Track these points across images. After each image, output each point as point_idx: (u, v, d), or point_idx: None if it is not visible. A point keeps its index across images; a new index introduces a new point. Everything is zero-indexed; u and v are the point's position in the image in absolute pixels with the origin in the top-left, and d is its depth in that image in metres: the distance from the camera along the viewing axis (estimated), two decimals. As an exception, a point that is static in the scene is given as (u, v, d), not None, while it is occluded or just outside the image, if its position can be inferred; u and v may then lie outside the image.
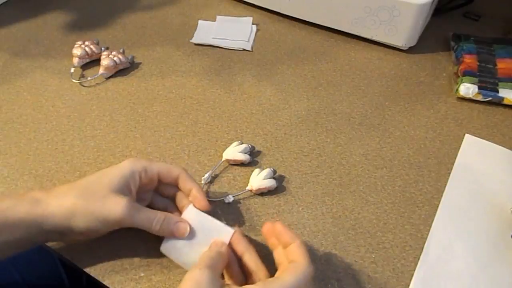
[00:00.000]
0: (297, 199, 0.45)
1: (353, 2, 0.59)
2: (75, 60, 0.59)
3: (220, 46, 0.64)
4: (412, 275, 0.39)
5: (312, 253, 0.41)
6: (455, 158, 0.49)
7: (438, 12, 0.66)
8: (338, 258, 0.40)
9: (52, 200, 0.36)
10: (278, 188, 0.46)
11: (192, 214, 0.40)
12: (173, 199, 0.42)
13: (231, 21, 0.68)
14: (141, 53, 0.63)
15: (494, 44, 0.60)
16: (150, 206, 0.41)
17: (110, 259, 0.40)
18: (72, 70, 0.58)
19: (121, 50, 0.60)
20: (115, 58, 0.58)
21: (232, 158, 0.47)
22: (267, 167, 0.46)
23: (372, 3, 0.58)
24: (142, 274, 0.39)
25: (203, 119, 0.53)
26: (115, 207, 0.36)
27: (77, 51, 0.58)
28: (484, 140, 0.51)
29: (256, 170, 0.46)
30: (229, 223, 0.43)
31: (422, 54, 0.62)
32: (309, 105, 0.55)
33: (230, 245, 0.37)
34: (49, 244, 0.41)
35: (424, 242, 0.41)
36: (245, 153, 0.48)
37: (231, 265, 0.37)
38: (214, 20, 0.68)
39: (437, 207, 0.44)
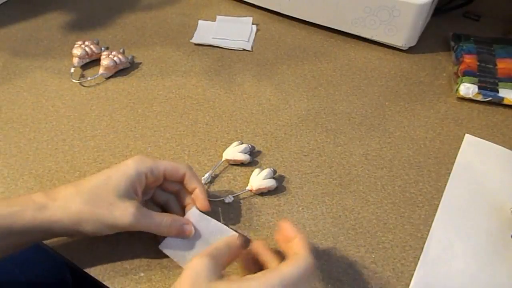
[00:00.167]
0: (297, 199, 0.45)
1: (353, 2, 0.59)
2: (75, 60, 0.59)
3: (220, 46, 0.64)
4: (412, 275, 0.39)
5: (312, 253, 0.41)
6: (455, 158, 0.49)
7: (438, 12, 0.66)
8: (338, 258, 0.40)
9: (58, 206, 0.35)
10: (278, 188, 0.46)
11: (196, 216, 0.40)
12: (176, 194, 0.42)
13: (231, 21, 0.68)
14: (141, 53, 0.63)
15: (494, 44, 0.60)
16: (152, 199, 0.41)
17: (110, 259, 0.40)
18: (72, 70, 0.58)
19: (121, 50, 0.60)
20: (115, 58, 0.58)
21: (232, 158, 0.47)
22: (267, 167, 0.46)
23: (372, 3, 0.58)
24: (142, 274, 0.39)
25: (203, 119, 0.53)
26: (123, 215, 0.35)
27: (77, 51, 0.58)
28: (484, 140, 0.51)
29: (256, 170, 0.46)
30: (229, 223, 0.43)
31: (422, 54, 0.62)
32: (309, 105, 0.55)
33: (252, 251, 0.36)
34: (49, 244, 0.41)
35: (424, 242, 0.41)
36: (245, 153, 0.48)
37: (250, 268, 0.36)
38: (214, 20, 0.68)
39: (437, 207, 0.44)
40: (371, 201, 0.45)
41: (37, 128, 0.52)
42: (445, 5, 0.68)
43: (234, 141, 0.49)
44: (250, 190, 0.45)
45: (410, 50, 0.62)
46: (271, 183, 0.45)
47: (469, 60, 0.57)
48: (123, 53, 0.60)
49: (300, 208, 0.44)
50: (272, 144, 0.50)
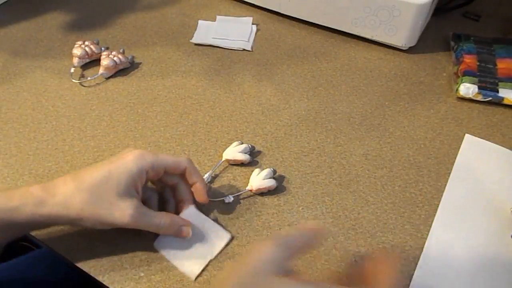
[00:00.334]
0: (297, 199, 0.45)
1: (353, 2, 0.59)
2: (75, 60, 0.59)
3: (220, 46, 0.64)
4: (412, 275, 0.39)
5: (312, 253, 0.41)
6: (455, 158, 0.49)
7: (438, 12, 0.66)
8: (338, 258, 0.40)
9: (57, 203, 0.35)
10: (278, 188, 0.46)
11: (192, 215, 0.41)
12: (173, 187, 0.42)
13: (231, 21, 0.68)
14: (141, 53, 0.63)
15: (494, 44, 0.60)
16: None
17: (110, 259, 0.40)
18: (72, 70, 0.58)
19: (121, 50, 0.60)
20: (115, 58, 0.58)
21: (232, 158, 0.47)
22: (267, 167, 0.46)
23: (372, 3, 0.58)
24: (142, 274, 0.39)
25: (203, 119, 0.53)
26: (122, 215, 0.36)
27: (77, 51, 0.58)
28: (484, 140, 0.51)
29: (256, 170, 0.46)
30: (229, 223, 0.43)
31: (422, 54, 0.62)
32: (309, 105, 0.55)
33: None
34: (49, 244, 0.41)
35: (424, 242, 0.41)
36: (245, 153, 0.48)
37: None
38: (214, 20, 0.68)
39: (437, 207, 0.44)
40: (371, 201, 0.45)
41: (37, 128, 0.52)
42: (445, 5, 0.68)
43: (234, 141, 0.49)
44: (250, 190, 0.45)
45: (410, 50, 0.62)
46: (271, 183, 0.45)
47: (469, 60, 0.57)
48: (123, 53, 0.60)
49: (300, 208, 0.44)
50: (272, 144, 0.50)
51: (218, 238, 0.41)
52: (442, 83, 0.58)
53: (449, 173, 0.47)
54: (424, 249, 0.41)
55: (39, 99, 0.55)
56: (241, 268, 0.28)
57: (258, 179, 0.45)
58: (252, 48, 0.64)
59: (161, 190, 0.42)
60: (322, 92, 0.57)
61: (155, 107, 0.55)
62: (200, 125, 0.52)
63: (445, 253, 0.41)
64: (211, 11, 0.70)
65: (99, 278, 0.39)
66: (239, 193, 0.45)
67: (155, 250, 0.40)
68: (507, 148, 0.50)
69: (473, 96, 0.54)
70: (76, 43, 0.60)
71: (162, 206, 0.42)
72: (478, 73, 0.55)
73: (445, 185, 0.46)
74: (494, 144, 0.50)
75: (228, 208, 0.44)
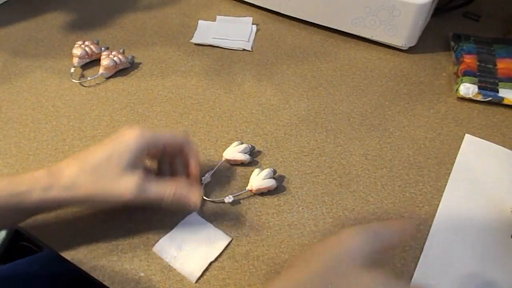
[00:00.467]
0: (297, 199, 0.45)
1: (353, 2, 0.59)
2: (75, 60, 0.59)
3: (220, 46, 0.64)
4: (412, 275, 0.39)
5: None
6: (455, 158, 0.49)
7: (438, 12, 0.66)
8: (338, 258, 0.40)
9: (63, 187, 0.36)
10: (278, 188, 0.46)
11: (193, 220, 0.42)
12: (171, 163, 0.43)
13: (231, 21, 0.68)
14: (141, 53, 0.63)
15: (494, 44, 0.60)
16: None
17: (110, 259, 0.40)
18: (72, 70, 0.58)
19: (121, 50, 0.60)
20: (115, 58, 0.58)
21: (232, 158, 0.47)
22: (267, 167, 0.46)
23: (372, 3, 0.58)
24: (142, 274, 0.39)
25: (203, 119, 0.53)
26: (127, 190, 0.36)
27: (77, 51, 0.58)
28: (484, 140, 0.51)
29: (256, 170, 0.46)
30: (229, 223, 0.43)
31: (422, 54, 0.62)
32: (309, 105, 0.55)
33: None
34: (49, 244, 0.41)
35: (424, 242, 0.41)
36: (245, 153, 0.48)
37: None
38: (214, 20, 0.68)
39: (437, 207, 0.44)
40: (371, 201, 0.45)
41: (37, 128, 0.52)
42: (445, 5, 0.68)
43: (234, 141, 0.49)
44: (250, 190, 0.45)
45: (410, 50, 0.62)
46: (271, 183, 0.45)
47: (469, 60, 0.57)
48: (123, 53, 0.60)
49: (300, 208, 0.44)
50: (272, 144, 0.50)
51: (218, 241, 0.41)
52: (442, 83, 0.58)
53: (449, 173, 0.47)
54: (424, 249, 0.41)
55: (39, 99, 0.55)
56: (326, 252, 0.28)
57: (258, 179, 0.45)
58: (252, 48, 0.64)
59: (158, 166, 0.44)
60: (322, 92, 0.57)
61: (155, 107, 0.55)
62: (200, 125, 0.52)
63: (445, 253, 0.41)
64: (211, 11, 0.70)
65: (99, 278, 0.39)
66: (239, 193, 0.45)
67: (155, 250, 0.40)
68: (507, 148, 0.50)
69: (473, 96, 0.54)
70: (76, 43, 0.60)
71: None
72: (478, 73, 0.55)
73: (445, 185, 0.46)
74: (494, 144, 0.50)
75: (228, 208, 0.44)
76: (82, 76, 0.59)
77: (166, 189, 0.38)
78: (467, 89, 0.54)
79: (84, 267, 0.39)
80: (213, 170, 0.47)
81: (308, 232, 0.42)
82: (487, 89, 0.54)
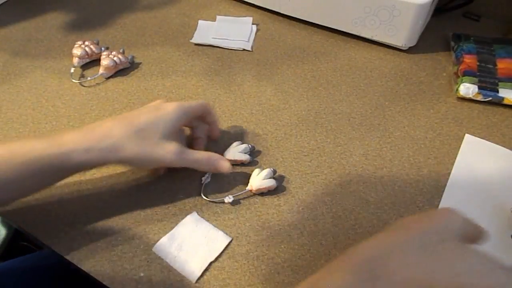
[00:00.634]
0: (297, 199, 0.45)
1: (353, 2, 0.59)
2: (75, 60, 0.59)
3: (220, 46, 0.64)
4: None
5: (312, 253, 0.41)
6: (455, 158, 0.49)
7: (438, 12, 0.66)
8: (338, 258, 0.40)
9: (108, 147, 0.38)
10: (278, 188, 0.46)
11: (194, 220, 0.42)
12: (192, 128, 0.48)
13: (231, 21, 0.68)
14: (141, 53, 0.63)
15: (494, 44, 0.60)
16: None
17: (110, 259, 0.40)
18: (72, 70, 0.58)
19: (121, 50, 0.60)
20: (115, 58, 0.58)
21: (232, 158, 0.47)
22: (267, 167, 0.46)
23: (372, 3, 0.58)
24: (142, 274, 0.39)
25: (203, 119, 0.53)
26: (168, 154, 0.40)
27: (77, 51, 0.58)
28: (484, 140, 0.51)
29: (256, 170, 0.46)
30: (229, 223, 0.43)
31: (422, 54, 0.62)
32: (309, 105, 0.55)
33: None
34: (50, 244, 0.41)
35: (424, 242, 0.41)
36: (245, 153, 0.48)
37: None
38: (214, 20, 0.68)
39: (437, 207, 0.44)
40: (371, 201, 0.45)
41: (37, 128, 0.52)
42: (445, 5, 0.68)
43: (234, 141, 0.49)
44: (250, 190, 0.45)
45: (410, 50, 0.62)
46: (271, 183, 0.45)
47: (469, 60, 0.57)
48: (123, 53, 0.60)
49: (300, 208, 0.44)
50: (272, 144, 0.50)
51: (218, 241, 0.41)
52: (442, 83, 0.58)
53: (449, 173, 0.47)
54: (424, 249, 0.41)
55: (39, 99, 0.55)
56: (425, 225, 0.28)
57: (258, 179, 0.45)
58: (252, 48, 0.64)
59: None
60: (322, 92, 0.57)
61: (155, 107, 0.55)
62: (200, 125, 0.52)
63: (445, 253, 0.41)
64: (211, 11, 0.70)
65: (99, 278, 0.39)
66: (239, 193, 0.45)
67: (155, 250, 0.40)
68: (507, 148, 0.50)
69: (473, 96, 0.54)
70: (76, 43, 0.60)
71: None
72: (478, 73, 0.55)
73: (445, 185, 0.46)
74: (494, 144, 0.50)
75: (228, 208, 0.44)
76: (82, 76, 0.59)
77: (199, 157, 0.43)
78: (467, 89, 0.54)
79: (84, 267, 0.39)
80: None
81: (308, 232, 0.42)
82: (487, 89, 0.54)
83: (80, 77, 0.58)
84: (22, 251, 0.65)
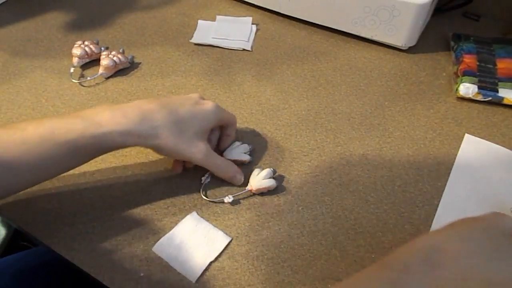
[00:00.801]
0: (297, 199, 0.45)
1: (353, 2, 0.59)
2: (75, 60, 0.59)
3: (220, 46, 0.64)
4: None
5: (312, 253, 0.41)
6: (455, 158, 0.49)
7: (438, 12, 0.66)
8: (338, 258, 0.40)
9: (143, 132, 0.39)
10: (278, 188, 0.46)
11: (193, 219, 0.42)
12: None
13: (231, 21, 0.68)
14: (141, 53, 0.63)
15: (494, 44, 0.60)
16: None
17: (110, 259, 0.40)
18: (72, 70, 0.58)
19: (121, 50, 0.60)
20: (114, 58, 0.58)
21: (232, 158, 0.47)
22: (267, 167, 0.46)
23: (372, 3, 0.58)
24: (142, 274, 0.39)
25: (203, 119, 0.53)
26: (198, 152, 0.41)
27: (76, 51, 0.58)
28: (484, 140, 0.51)
29: (256, 170, 0.46)
30: (229, 223, 0.43)
31: (422, 54, 0.62)
32: (309, 105, 0.55)
33: None
34: (49, 244, 0.41)
35: (424, 242, 0.41)
36: (245, 153, 0.48)
37: None
38: (214, 20, 0.68)
39: (437, 207, 0.44)
40: (371, 201, 0.45)
41: (37, 128, 0.52)
42: (445, 5, 0.68)
43: (234, 141, 0.49)
44: (250, 190, 0.45)
45: (410, 50, 0.62)
46: (271, 183, 0.44)
47: (469, 60, 0.57)
48: (123, 53, 0.60)
49: (300, 208, 0.44)
50: (272, 144, 0.50)
51: (218, 241, 0.41)
52: (442, 83, 0.58)
53: (449, 173, 0.47)
54: (424, 249, 0.41)
55: (39, 99, 0.55)
56: (479, 223, 0.29)
57: (258, 179, 0.45)
58: (252, 48, 0.64)
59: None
60: (322, 92, 0.57)
61: (155, 107, 0.55)
62: (200, 125, 0.52)
63: (445, 253, 0.41)
64: (211, 11, 0.70)
65: (99, 278, 0.39)
66: (239, 193, 0.45)
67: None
68: (507, 148, 0.50)
69: (473, 96, 0.54)
70: (76, 43, 0.60)
71: None
72: (478, 73, 0.55)
73: (445, 185, 0.46)
74: (494, 144, 0.50)
75: (228, 208, 0.44)
76: (82, 76, 0.59)
77: (222, 162, 0.44)
78: (467, 89, 0.54)
79: (84, 267, 0.39)
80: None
81: (308, 232, 0.42)
82: (487, 89, 0.54)
83: (79, 77, 0.58)
84: (22, 251, 0.65)
